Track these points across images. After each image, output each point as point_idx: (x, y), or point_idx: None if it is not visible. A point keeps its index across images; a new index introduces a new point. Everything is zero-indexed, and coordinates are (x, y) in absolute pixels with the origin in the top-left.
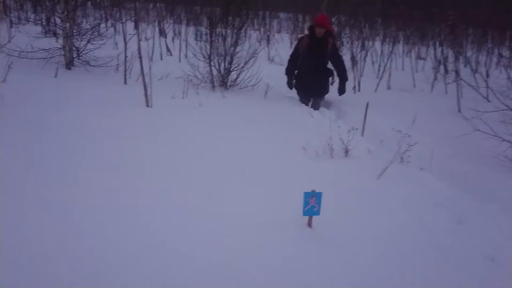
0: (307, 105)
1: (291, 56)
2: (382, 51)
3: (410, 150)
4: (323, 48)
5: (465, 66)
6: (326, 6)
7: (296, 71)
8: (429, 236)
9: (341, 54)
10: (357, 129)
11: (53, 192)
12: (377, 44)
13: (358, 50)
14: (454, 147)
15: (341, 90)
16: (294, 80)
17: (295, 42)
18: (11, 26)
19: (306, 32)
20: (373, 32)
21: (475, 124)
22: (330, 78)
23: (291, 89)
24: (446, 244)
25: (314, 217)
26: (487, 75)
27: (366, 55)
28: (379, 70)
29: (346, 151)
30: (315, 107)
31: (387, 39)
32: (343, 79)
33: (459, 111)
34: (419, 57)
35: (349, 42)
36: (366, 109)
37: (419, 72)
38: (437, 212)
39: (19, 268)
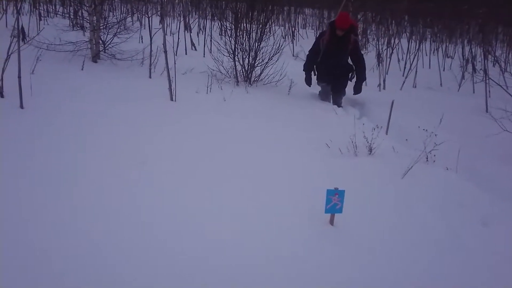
0: (328, 101)
1: (310, 51)
2: (408, 49)
3: (436, 149)
4: (344, 45)
5: (494, 65)
6: (348, 6)
7: (315, 67)
8: (453, 237)
9: (362, 52)
10: (381, 127)
11: (78, 182)
12: (404, 41)
13: (384, 47)
14: (481, 147)
15: (357, 89)
16: (315, 75)
17: None
18: (40, 19)
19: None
20: (400, 29)
21: (504, 124)
22: (350, 74)
23: (310, 85)
24: (471, 246)
25: (336, 215)
26: None
27: (392, 53)
28: (405, 68)
29: (370, 149)
30: (337, 103)
31: (413, 37)
32: (361, 78)
33: (487, 111)
34: (446, 55)
35: (375, 39)
36: (391, 107)
37: (446, 70)
38: (462, 212)
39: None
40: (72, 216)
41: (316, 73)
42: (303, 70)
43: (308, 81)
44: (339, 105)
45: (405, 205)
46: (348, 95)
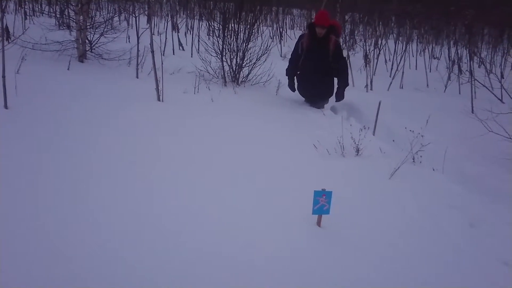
0: (311, 104)
1: (291, 55)
2: (395, 50)
3: (422, 150)
4: (325, 48)
5: (479, 66)
6: (336, 7)
7: (298, 72)
8: (442, 238)
9: (350, 53)
10: (368, 128)
11: (66, 186)
12: (391, 42)
13: (371, 48)
14: (468, 148)
15: (339, 96)
16: (296, 82)
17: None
18: (26, 18)
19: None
20: (387, 30)
21: (489, 125)
22: (332, 84)
23: (294, 91)
24: (459, 246)
25: (324, 216)
26: (502, 76)
27: (379, 54)
28: (392, 68)
29: (358, 150)
30: (318, 106)
31: (400, 38)
32: (343, 84)
33: (473, 111)
34: (433, 56)
35: (362, 40)
36: (378, 108)
37: (432, 71)
38: (450, 214)
39: (34, 265)
40: (58, 217)
41: (297, 84)
42: (286, 75)
43: (292, 86)
44: (319, 107)
45: (392, 205)
46: (331, 100)
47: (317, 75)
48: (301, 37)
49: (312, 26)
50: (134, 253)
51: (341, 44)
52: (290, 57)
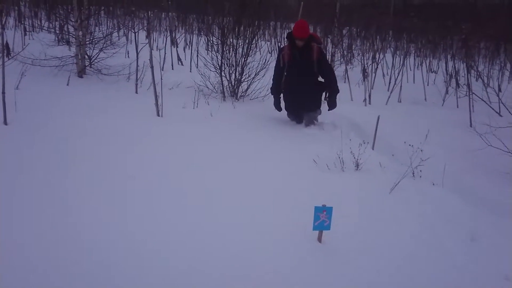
0: (299, 123)
1: (274, 72)
2: (393, 64)
3: (422, 165)
4: (307, 57)
5: (477, 80)
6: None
7: (282, 88)
8: (442, 253)
9: (348, 67)
10: (368, 142)
11: (67, 200)
12: (388, 56)
13: (369, 63)
14: (467, 162)
15: (332, 104)
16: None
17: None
18: (25, 34)
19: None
20: (384, 44)
21: (488, 139)
22: (325, 94)
23: (280, 110)
24: (460, 261)
25: (325, 232)
26: (499, 90)
27: (377, 68)
28: (390, 82)
29: (357, 165)
30: (309, 123)
31: (398, 52)
32: (333, 91)
33: (471, 125)
34: (430, 70)
35: (360, 54)
36: (377, 123)
37: (430, 85)
38: (450, 228)
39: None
40: (55, 232)
41: (283, 100)
42: (271, 94)
43: (278, 105)
44: (309, 124)
45: (393, 220)
46: (329, 115)
47: (303, 87)
48: (281, 50)
49: (291, 36)
50: (130, 269)
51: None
52: (273, 74)
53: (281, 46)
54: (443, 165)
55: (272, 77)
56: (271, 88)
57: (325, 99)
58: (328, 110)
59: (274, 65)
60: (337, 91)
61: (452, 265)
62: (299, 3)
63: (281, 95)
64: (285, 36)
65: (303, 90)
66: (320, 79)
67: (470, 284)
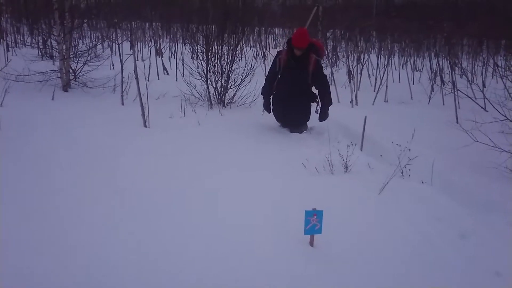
0: (286, 127)
1: (268, 73)
2: (378, 64)
3: (410, 164)
4: (303, 68)
5: (461, 76)
6: (317, 24)
7: (274, 91)
8: (433, 252)
9: (334, 70)
10: (356, 144)
11: (57, 216)
12: (373, 57)
13: (354, 64)
14: (455, 159)
15: (323, 116)
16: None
17: None
18: (8, 50)
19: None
20: (369, 45)
21: (474, 135)
22: (316, 106)
23: (269, 112)
24: (451, 259)
25: (316, 236)
26: (484, 86)
27: (362, 69)
28: (375, 83)
29: (346, 167)
30: (294, 131)
31: (382, 52)
32: (326, 103)
33: (457, 122)
34: (415, 69)
35: (345, 56)
36: (364, 123)
37: (415, 84)
38: (440, 226)
39: None
40: (40, 248)
41: (272, 106)
42: (261, 94)
43: (267, 107)
44: (296, 132)
45: (383, 221)
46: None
47: (293, 98)
48: (279, 53)
49: (290, 41)
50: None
51: (323, 61)
52: (267, 74)
53: (280, 50)
54: (431, 163)
55: (265, 78)
56: (262, 88)
57: (316, 111)
58: (320, 121)
59: (270, 67)
60: (330, 103)
61: (444, 263)
62: (282, 9)
63: (271, 97)
64: (285, 41)
65: (293, 102)
66: (314, 90)
67: (461, 280)
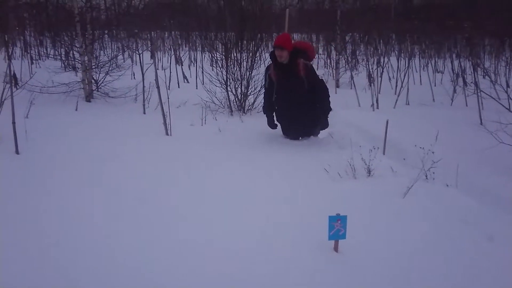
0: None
1: (265, 89)
2: (398, 67)
3: (434, 167)
4: (294, 75)
5: (484, 77)
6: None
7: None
8: (460, 255)
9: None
10: (378, 148)
11: (81, 224)
12: (393, 59)
13: (374, 67)
14: (480, 161)
15: (323, 125)
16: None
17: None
18: (32, 63)
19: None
20: (388, 47)
21: (499, 136)
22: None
23: (274, 128)
24: (478, 262)
25: (341, 241)
26: (508, 86)
27: (382, 72)
28: (396, 86)
29: (369, 171)
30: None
31: (402, 54)
32: (324, 110)
33: (481, 123)
34: (436, 70)
35: (365, 59)
36: (386, 127)
37: (437, 85)
38: (467, 229)
39: None
40: (62, 257)
41: (277, 121)
42: (264, 113)
43: (272, 124)
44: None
45: (408, 225)
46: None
47: (295, 108)
48: (267, 68)
49: (273, 53)
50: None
51: (316, 66)
52: (264, 93)
53: (268, 65)
54: (456, 166)
55: (263, 97)
56: (263, 107)
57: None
58: (320, 130)
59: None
60: (329, 110)
61: (471, 266)
62: (298, 13)
63: (274, 114)
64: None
65: (296, 111)
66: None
67: (489, 285)
